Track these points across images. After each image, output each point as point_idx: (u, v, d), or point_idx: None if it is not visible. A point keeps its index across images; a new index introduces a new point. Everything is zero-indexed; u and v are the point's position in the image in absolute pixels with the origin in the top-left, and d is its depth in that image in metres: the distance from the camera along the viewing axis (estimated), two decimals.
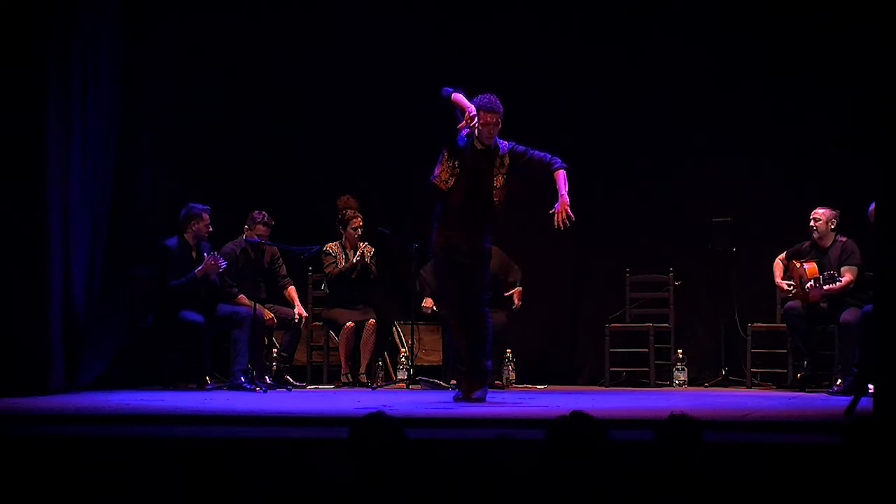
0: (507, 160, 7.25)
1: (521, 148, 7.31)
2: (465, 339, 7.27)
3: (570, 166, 7.21)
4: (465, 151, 7.21)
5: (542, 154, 7.29)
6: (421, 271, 9.16)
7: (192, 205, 8.70)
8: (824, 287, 8.24)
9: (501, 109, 7.16)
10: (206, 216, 8.68)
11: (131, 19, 8.86)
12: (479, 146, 7.23)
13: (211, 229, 8.72)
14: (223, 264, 8.59)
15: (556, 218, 7.13)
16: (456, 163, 7.20)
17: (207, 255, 8.60)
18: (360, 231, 9.29)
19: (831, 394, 7.99)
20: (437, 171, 7.23)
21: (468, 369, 7.27)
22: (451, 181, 7.19)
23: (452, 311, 7.36)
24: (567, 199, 7.12)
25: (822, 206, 8.51)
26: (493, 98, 7.15)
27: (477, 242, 7.24)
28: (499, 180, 7.24)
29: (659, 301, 9.48)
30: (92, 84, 8.51)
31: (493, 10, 9.66)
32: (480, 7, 9.66)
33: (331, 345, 9.41)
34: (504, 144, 7.28)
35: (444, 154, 7.22)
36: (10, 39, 7.85)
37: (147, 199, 9.08)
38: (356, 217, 9.29)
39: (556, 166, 7.24)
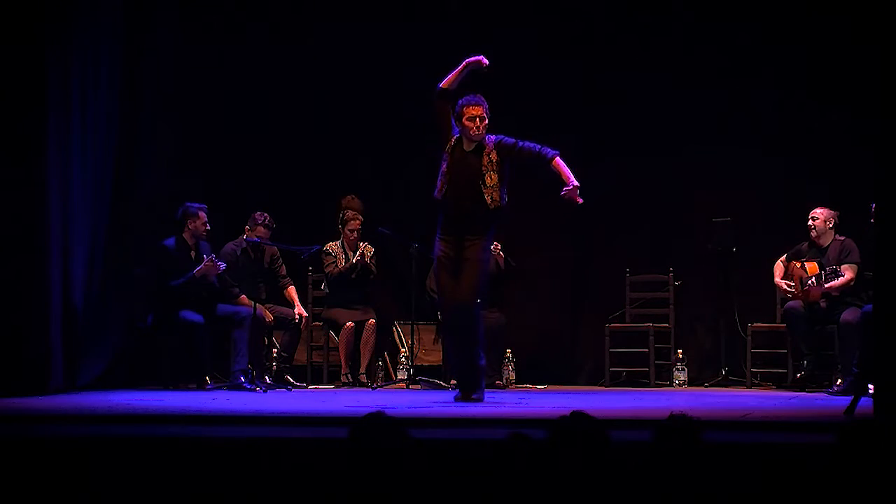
0: (494, 156, 7.10)
1: (510, 140, 7.15)
2: (459, 338, 7.26)
3: (569, 166, 7.11)
4: (454, 154, 7.14)
5: (532, 145, 7.13)
6: (427, 281, 9.13)
7: (189, 203, 8.71)
8: (825, 285, 8.24)
9: (486, 103, 7.11)
10: (202, 214, 8.68)
11: (131, 20, 8.86)
12: (467, 147, 7.16)
13: (209, 227, 8.72)
14: (222, 266, 8.59)
15: (568, 194, 6.97)
16: (445, 167, 7.14)
17: (207, 256, 8.61)
18: (356, 234, 9.29)
19: (831, 394, 7.99)
20: (438, 184, 7.19)
21: (464, 369, 7.25)
22: (445, 188, 7.13)
23: (448, 313, 7.32)
24: (576, 182, 6.98)
25: (821, 206, 8.52)
26: (477, 95, 7.13)
27: (474, 246, 7.12)
28: (490, 178, 7.09)
29: (659, 301, 9.49)
30: (92, 84, 8.51)
31: (492, 7, 9.66)
32: (480, 5, 9.66)
33: (331, 345, 9.41)
34: (491, 138, 7.16)
35: (442, 166, 7.19)
36: (10, 40, 7.85)
37: (147, 199, 9.07)
38: (355, 219, 9.29)
39: (550, 155, 7.09)
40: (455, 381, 7.74)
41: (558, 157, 7.11)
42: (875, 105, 5.87)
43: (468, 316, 7.13)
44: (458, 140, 7.17)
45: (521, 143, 7.16)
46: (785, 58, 9.18)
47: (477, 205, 7.10)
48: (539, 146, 7.15)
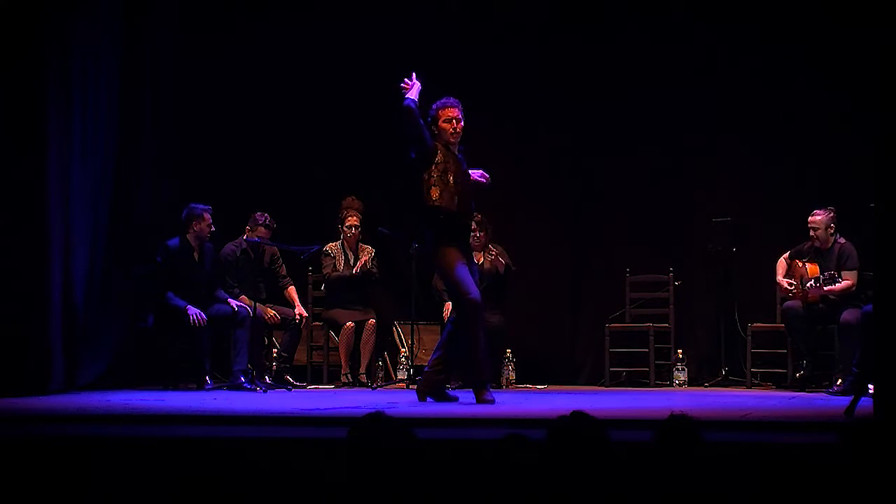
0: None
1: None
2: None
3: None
4: (454, 162, 7.10)
5: None
6: (433, 281, 9.11)
7: (194, 205, 8.71)
8: (824, 287, 8.25)
9: (460, 105, 7.14)
10: (207, 216, 8.68)
11: (131, 20, 8.87)
12: (456, 151, 7.18)
13: (213, 229, 8.72)
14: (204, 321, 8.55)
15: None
16: (452, 178, 7.06)
17: (209, 256, 8.63)
18: (354, 231, 9.29)
19: (831, 394, 7.99)
20: (444, 197, 7.06)
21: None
22: (455, 198, 7.05)
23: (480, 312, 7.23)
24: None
25: (818, 209, 8.47)
26: (450, 97, 7.16)
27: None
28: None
29: (659, 301, 9.48)
30: (92, 85, 8.52)
31: (491, 10, 9.67)
32: (478, 6, 9.66)
33: (331, 345, 9.41)
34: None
35: (448, 177, 7.07)
36: (10, 41, 7.85)
37: (147, 200, 9.08)
38: (351, 217, 9.29)
39: None
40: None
41: None
42: (875, 104, 5.87)
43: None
44: (445, 147, 7.13)
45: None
46: (785, 57, 9.18)
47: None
48: None
